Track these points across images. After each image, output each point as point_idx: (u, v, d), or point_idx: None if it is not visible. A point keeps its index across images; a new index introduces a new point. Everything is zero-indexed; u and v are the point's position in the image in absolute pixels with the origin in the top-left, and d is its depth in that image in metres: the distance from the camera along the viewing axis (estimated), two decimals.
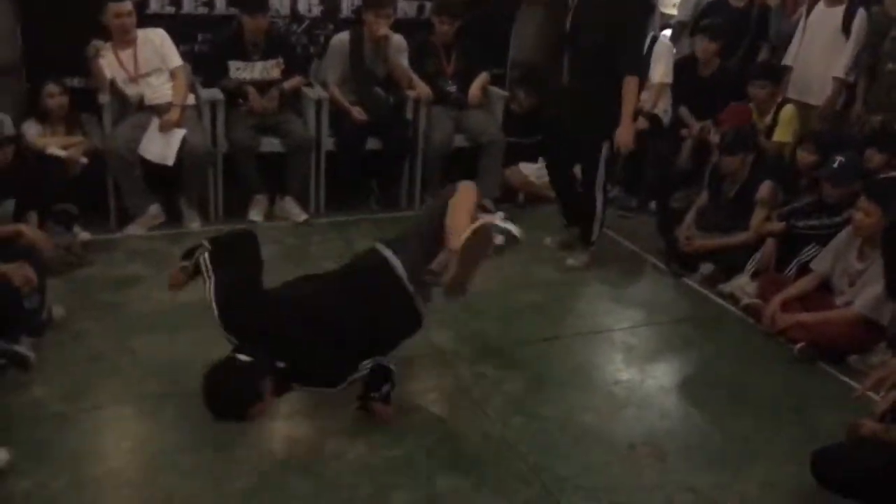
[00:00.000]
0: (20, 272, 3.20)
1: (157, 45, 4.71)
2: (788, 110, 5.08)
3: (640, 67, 4.43)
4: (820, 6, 5.27)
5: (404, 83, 5.23)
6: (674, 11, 6.51)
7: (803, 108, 5.18)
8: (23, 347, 3.22)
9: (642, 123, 5.33)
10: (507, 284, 4.34)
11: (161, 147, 4.57)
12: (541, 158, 5.75)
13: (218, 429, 2.93)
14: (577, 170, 4.63)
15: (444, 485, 2.75)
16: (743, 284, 4.26)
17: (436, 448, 2.98)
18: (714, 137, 5.18)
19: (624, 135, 4.22)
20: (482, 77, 5.48)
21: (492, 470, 2.84)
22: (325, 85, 5.19)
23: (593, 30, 4.14)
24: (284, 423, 3.07)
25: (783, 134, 5.03)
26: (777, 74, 5.26)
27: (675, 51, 5.76)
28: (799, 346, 3.73)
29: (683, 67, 5.56)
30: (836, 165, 4.07)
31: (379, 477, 2.75)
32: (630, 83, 4.14)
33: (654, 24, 5.90)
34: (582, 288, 4.43)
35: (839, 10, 5.16)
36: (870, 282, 3.64)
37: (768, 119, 5.10)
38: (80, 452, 2.79)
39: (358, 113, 5.04)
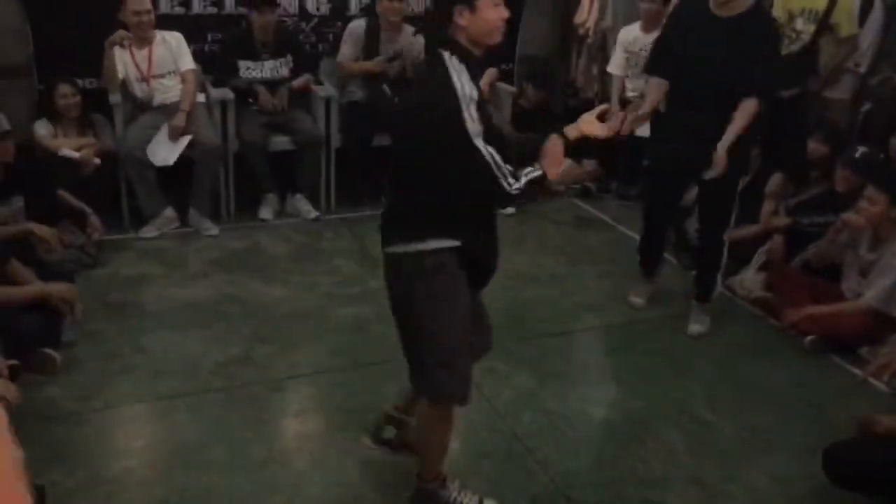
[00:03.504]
0: (70, 290, 3.38)
1: (173, 47, 4.74)
2: None
3: (768, 89, 3.62)
4: None
5: None
6: None
7: (824, 101, 5.09)
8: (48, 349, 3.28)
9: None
10: (515, 278, 4.36)
11: (166, 151, 4.59)
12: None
13: (230, 426, 2.97)
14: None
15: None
16: (747, 278, 4.25)
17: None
18: None
19: (719, 161, 3.51)
20: (490, 73, 5.48)
21: (501, 465, 2.85)
22: (339, 66, 5.22)
23: (717, 54, 3.45)
24: (295, 420, 3.10)
25: (850, 25, 4.60)
26: None
27: None
28: (809, 338, 3.72)
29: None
30: (858, 155, 4.05)
31: (387, 473, 2.77)
32: (748, 105, 3.46)
33: None
34: (590, 281, 4.43)
35: None
36: (881, 274, 3.64)
37: None
38: (93, 451, 2.83)
39: (379, 66, 5.07)
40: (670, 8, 4.07)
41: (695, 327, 3.90)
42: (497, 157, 2.16)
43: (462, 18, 2.17)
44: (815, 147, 4.40)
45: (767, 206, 4.42)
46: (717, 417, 3.22)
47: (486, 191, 2.20)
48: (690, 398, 3.37)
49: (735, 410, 3.27)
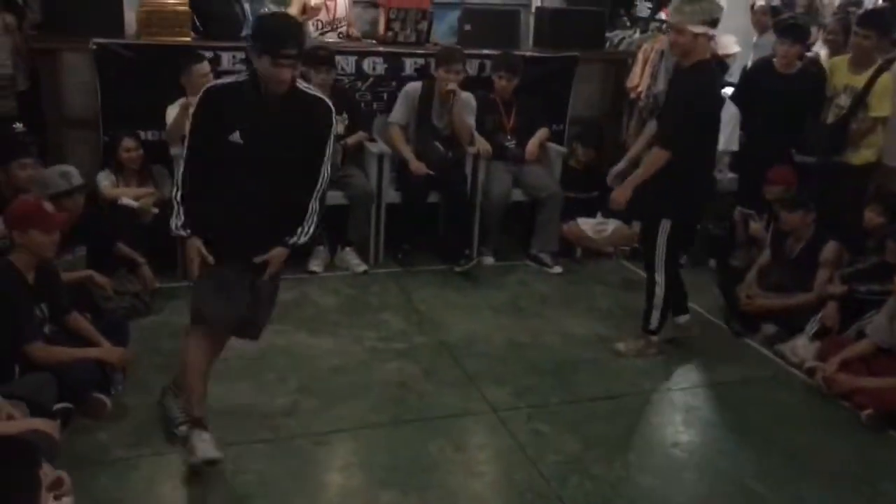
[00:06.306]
0: (122, 355, 3.49)
1: None
2: (886, 79, 4.65)
3: (675, 143, 3.86)
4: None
5: (465, 139, 5.30)
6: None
7: (885, 171, 5.01)
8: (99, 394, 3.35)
9: None
10: (563, 340, 4.33)
11: None
12: (598, 213, 5.77)
13: (274, 478, 2.98)
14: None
15: None
16: (800, 345, 4.16)
17: None
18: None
19: (618, 194, 4.09)
20: (541, 132, 5.54)
21: None
22: (389, 127, 5.29)
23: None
24: (339, 475, 3.09)
25: (882, 106, 4.66)
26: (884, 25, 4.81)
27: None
28: (867, 412, 3.61)
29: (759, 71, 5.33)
30: None
31: None
32: (657, 154, 3.92)
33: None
34: None
35: None
36: None
37: (865, 76, 4.71)
38: (140, 499, 2.85)
39: (416, 167, 5.11)
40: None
41: (618, 345, 4.24)
42: None
43: None
44: (871, 216, 4.36)
45: (822, 274, 4.35)
46: (767, 490, 3.13)
47: None
48: (741, 469, 3.28)
49: (786, 483, 3.17)
